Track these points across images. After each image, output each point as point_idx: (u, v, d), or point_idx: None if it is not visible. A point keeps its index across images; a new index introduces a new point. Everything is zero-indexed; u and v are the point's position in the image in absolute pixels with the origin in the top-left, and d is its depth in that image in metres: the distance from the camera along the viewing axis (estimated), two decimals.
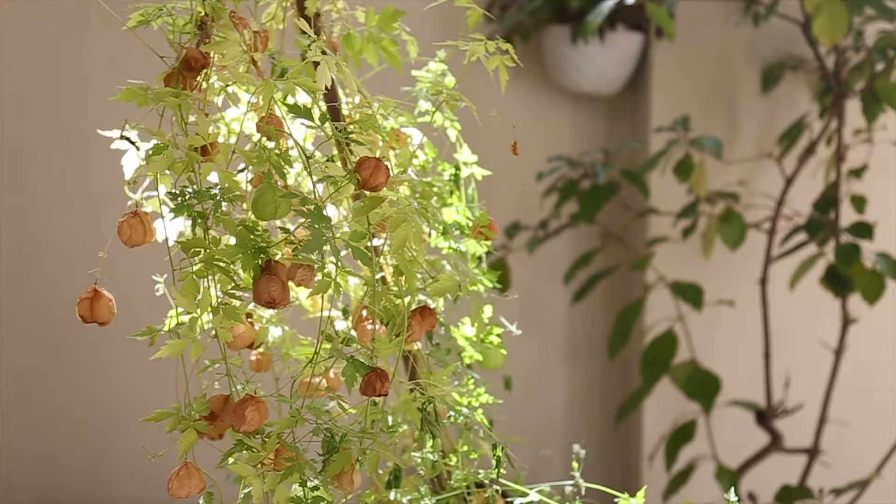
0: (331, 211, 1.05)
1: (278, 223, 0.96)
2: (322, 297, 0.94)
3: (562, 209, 2.23)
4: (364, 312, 0.99)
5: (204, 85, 0.93)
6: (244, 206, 0.92)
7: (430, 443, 1.04)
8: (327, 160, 0.92)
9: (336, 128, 0.92)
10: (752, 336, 2.32)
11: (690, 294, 2.15)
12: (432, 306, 1.05)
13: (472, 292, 1.07)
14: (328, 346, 0.94)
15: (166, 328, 0.95)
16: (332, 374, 1.08)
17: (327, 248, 0.86)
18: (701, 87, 2.37)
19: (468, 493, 1.07)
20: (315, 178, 0.90)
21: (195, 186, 0.88)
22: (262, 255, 0.89)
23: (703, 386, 2.14)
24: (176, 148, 0.89)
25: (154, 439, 0.97)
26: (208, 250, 0.88)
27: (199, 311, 0.89)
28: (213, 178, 0.93)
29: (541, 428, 2.54)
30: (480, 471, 1.06)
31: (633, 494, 1.00)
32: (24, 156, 2.40)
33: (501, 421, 1.18)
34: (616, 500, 1.00)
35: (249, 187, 0.95)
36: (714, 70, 2.37)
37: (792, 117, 2.30)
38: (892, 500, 2.34)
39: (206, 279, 0.89)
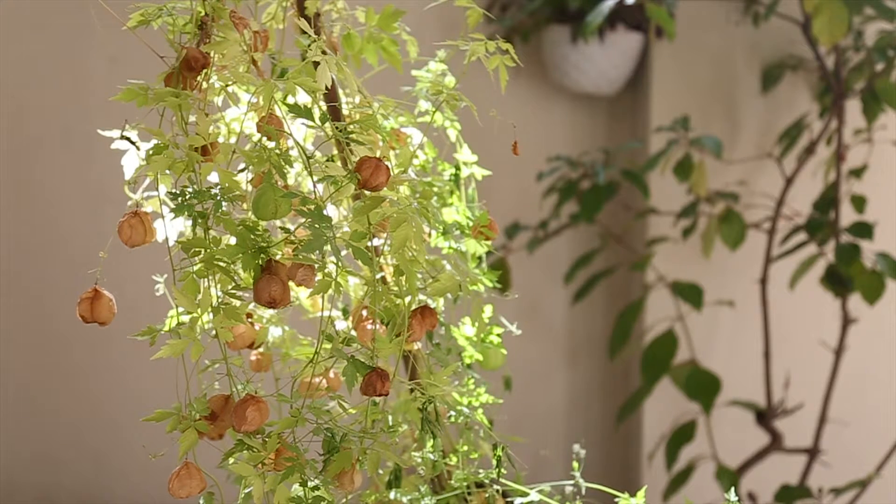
0: (331, 211, 1.05)
1: (279, 223, 0.96)
2: (322, 297, 0.94)
3: (562, 209, 2.23)
4: (364, 312, 0.99)
5: (204, 85, 0.93)
6: (244, 205, 0.92)
7: (430, 443, 1.04)
8: (327, 160, 0.92)
9: (336, 128, 0.92)
10: (752, 336, 2.32)
11: (690, 294, 2.15)
12: (433, 306, 1.05)
13: (473, 292, 1.07)
14: (328, 345, 0.94)
15: (166, 328, 0.95)
16: (332, 374, 1.08)
17: (328, 247, 0.86)
18: (701, 87, 2.37)
19: (468, 493, 1.07)
20: (315, 178, 0.90)
21: (195, 186, 0.88)
22: (262, 255, 0.89)
23: (703, 386, 2.14)
24: (176, 148, 0.89)
25: (154, 439, 0.97)
26: (209, 250, 0.88)
27: (199, 310, 0.89)
28: (214, 177, 0.93)
29: (541, 428, 2.54)
30: (481, 471, 1.06)
31: (633, 494, 1.00)
32: (24, 156, 2.40)
33: (501, 421, 1.18)
34: (616, 500, 1.00)
35: (250, 187, 0.95)
36: (714, 70, 2.37)
37: (792, 117, 2.30)
38: (892, 500, 2.34)
39: (206, 279, 0.89)
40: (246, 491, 0.91)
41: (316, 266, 0.91)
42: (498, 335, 1.13)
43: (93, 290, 0.92)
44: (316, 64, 0.94)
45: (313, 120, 0.90)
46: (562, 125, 2.50)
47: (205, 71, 0.91)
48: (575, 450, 1.07)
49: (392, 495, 1.06)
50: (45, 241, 2.41)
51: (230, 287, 0.90)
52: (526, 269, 2.45)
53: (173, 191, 0.88)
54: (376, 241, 0.95)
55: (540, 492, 1.04)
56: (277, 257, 0.90)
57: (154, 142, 0.89)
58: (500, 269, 1.94)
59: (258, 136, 0.90)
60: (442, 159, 1.13)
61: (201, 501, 0.94)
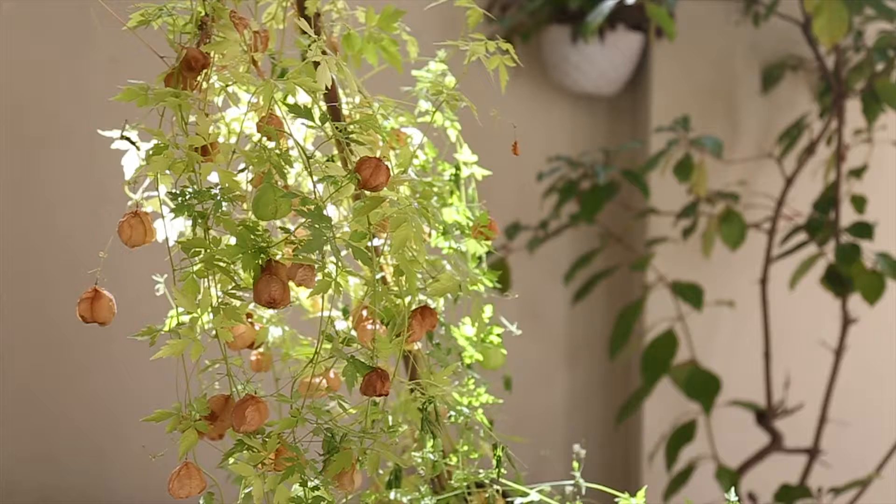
0: (331, 211, 1.05)
1: (279, 223, 0.96)
2: (322, 297, 0.94)
3: (562, 209, 2.23)
4: (364, 312, 0.99)
5: (204, 85, 0.93)
6: (244, 206, 0.92)
7: (430, 443, 1.04)
8: (327, 160, 0.92)
9: (336, 128, 0.92)
10: (752, 336, 2.32)
11: (690, 294, 2.15)
12: (433, 306, 1.05)
13: (473, 292, 1.07)
14: (328, 346, 0.94)
15: (167, 328, 0.95)
16: (332, 374, 1.08)
17: (328, 248, 0.86)
18: (701, 87, 2.37)
19: (468, 493, 1.07)
20: (315, 178, 0.90)
21: (195, 186, 0.88)
22: (262, 255, 0.89)
23: (703, 386, 2.14)
24: (176, 148, 0.89)
25: (154, 439, 0.97)
26: (209, 250, 0.88)
27: (199, 311, 0.89)
28: (214, 178, 0.93)
29: (541, 428, 2.54)
30: (481, 471, 1.06)
31: (633, 494, 1.00)
32: (24, 156, 2.40)
33: (501, 421, 1.18)
34: (616, 500, 1.00)
35: (250, 187, 0.95)
36: (714, 70, 2.37)
37: (792, 117, 2.30)
38: (892, 500, 2.34)
39: (206, 279, 0.89)
40: (246, 491, 0.91)
41: (316, 266, 0.91)
42: (498, 335, 1.13)
43: (93, 290, 0.92)
44: (316, 64, 0.94)
45: (313, 120, 0.90)
46: (562, 125, 2.50)
47: (205, 71, 0.91)
48: (575, 450, 1.07)
49: (392, 495, 1.06)
50: (45, 241, 2.41)
51: (230, 287, 0.90)
52: (526, 269, 2.45)
53: (173, 191, 0.88)
54: (376, 241, 0.95)
55: (540, 492, 1.04)
56: (277, 257, 0.90)
57: (154, 142, 0.89)
58: (500, 269, 1.94)
59: (258, 136, 0.90)
60: (442, 159, 1.13)
61: (201, 501, 0.94)
